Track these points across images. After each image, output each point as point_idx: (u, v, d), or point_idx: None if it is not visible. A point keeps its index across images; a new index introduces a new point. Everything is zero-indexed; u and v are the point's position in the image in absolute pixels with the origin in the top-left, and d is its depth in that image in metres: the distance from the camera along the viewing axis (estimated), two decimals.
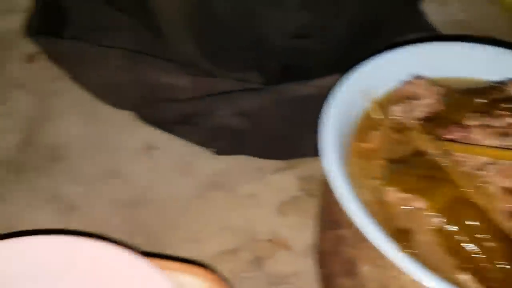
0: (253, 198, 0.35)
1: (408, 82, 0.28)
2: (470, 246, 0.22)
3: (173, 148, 0.38)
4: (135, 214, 0.34)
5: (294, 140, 0.36)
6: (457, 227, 0.22)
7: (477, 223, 0.22)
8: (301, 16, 0.31)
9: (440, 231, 0.23)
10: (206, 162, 0.37)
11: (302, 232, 0.32)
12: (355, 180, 0.24)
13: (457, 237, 0.22)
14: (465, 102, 0.27)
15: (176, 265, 0.23)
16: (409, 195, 0.23)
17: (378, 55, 0.28)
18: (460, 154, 0.24)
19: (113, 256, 0.22)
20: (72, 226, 0.33)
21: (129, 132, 0.39)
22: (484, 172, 0.24)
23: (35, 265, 0.24)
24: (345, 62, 0.36)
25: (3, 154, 0.37)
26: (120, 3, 0.41)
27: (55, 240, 0.25)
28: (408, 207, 0.23)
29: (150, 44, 0.41)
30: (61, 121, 0.39)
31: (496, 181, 0.23)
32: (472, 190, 0.23)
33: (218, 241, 0.32)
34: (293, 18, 0.31)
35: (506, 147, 0.24)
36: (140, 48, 0.40)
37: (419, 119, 0.26)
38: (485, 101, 0.26)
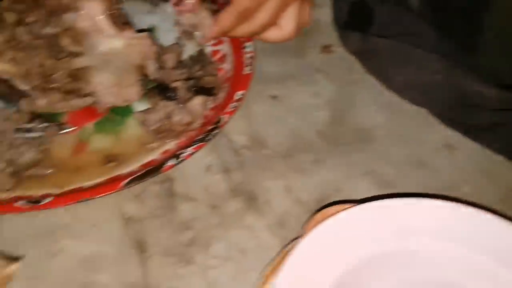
0: None
1: None
2: None
3: (472, 151, 0.40)
4: None
5: None
6: None
7: None
8: None
9: None
10: (507, 171, 0.39)
11: None
12: None
13: None
14: None
15: None
16: None
17: None
18: None
19: None
20: None
21: (428, 128, 0.42)
22: None
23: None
24: None
25: (318, 127, 0.43)
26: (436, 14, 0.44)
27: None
28: None
29: (448, 52, 0.44)
30: (364, 108, 0.44)
31: None
32: None
33: None
34: None
35: None
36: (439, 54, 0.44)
37: None
38: None
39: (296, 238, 0.32)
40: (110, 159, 0.39)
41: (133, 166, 0.38)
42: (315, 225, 0.27)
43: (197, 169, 0.39)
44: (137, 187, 0.38)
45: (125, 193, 0.37)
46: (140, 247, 0.34)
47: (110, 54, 0.36)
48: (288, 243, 0.32)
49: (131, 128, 0.42)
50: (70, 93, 0.37)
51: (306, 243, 0.26)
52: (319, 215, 0.29)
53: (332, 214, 0.28)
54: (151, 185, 0.38)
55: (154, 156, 0.39)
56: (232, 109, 0.39)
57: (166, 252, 0.34)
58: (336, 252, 0.27)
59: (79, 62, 0.35)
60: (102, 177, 0.37)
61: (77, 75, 0.35)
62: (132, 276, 0.33)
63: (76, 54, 0.35)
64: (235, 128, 0.42)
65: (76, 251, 0.34)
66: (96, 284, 0.32)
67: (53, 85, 0.35)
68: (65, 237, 0.34)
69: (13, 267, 0.27)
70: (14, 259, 0.29)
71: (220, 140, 0.41)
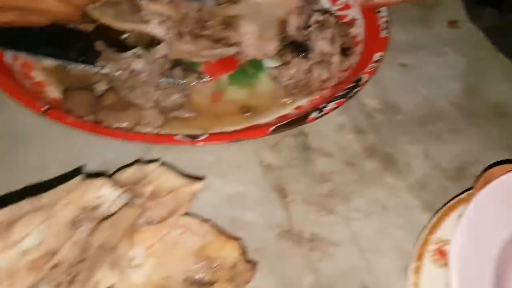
0: None
1: None
2: None
3: None
4: None
5: None
6: None
7: None
8: None
9: None
10: None
11: None
12: None
13: None
14: None
15: None
16: None
17: None
18: None
19: None
20: None
21: None
22: None
23: None
24: None
25: (451, 97, 0.42)
26: None
27: None
28: None
29: None
30: (496, 85, 0.43)
31: None
32: None
33: None
34: None
35: None
36: None
37: None
38: None
39: (456, 196, 0.32)
40: (246, 109, 0.40)
41: (268, 118, 0.39)
42: (484, 185, 0.27)
43: (330, 127, 0.40)
44: (272, 139, 0.38)
45: (261, 142, 0.38)
46: (281, 192, 0.35)
47: (261, 4, 0.37)
48: (448, 201, 0.32)
49: (264, 83, 0.42)
50: (218, 41, 0.38)
51: (478, 202, 0.26)
52: (487, 174, 0.28)
53: (501, 174, 0.27)
54: (286, 138, 0.39)
55: (287, 110, 0.40)
56: (372, 69, 0.39)
57: (306, 200, 0.35)
58: (506, 213, 0.26)
59: (234, 10, 0.36)
60: (240, 125, 0.39)
61: (229, 22, 0.36)
62: (277, 217, 0.34)
63: (234, 1, 0.36)
64: (366, 92, 0.42)
65: (222, 189, 0.35)
66: (244, 220, 0.33)
67: (204, 32, 0.37)
68: (210, 175, 0.35)
69: (199, 185, 0.29)
70: (197, 179, 0.30)
71: (351, 103, 0.41)
